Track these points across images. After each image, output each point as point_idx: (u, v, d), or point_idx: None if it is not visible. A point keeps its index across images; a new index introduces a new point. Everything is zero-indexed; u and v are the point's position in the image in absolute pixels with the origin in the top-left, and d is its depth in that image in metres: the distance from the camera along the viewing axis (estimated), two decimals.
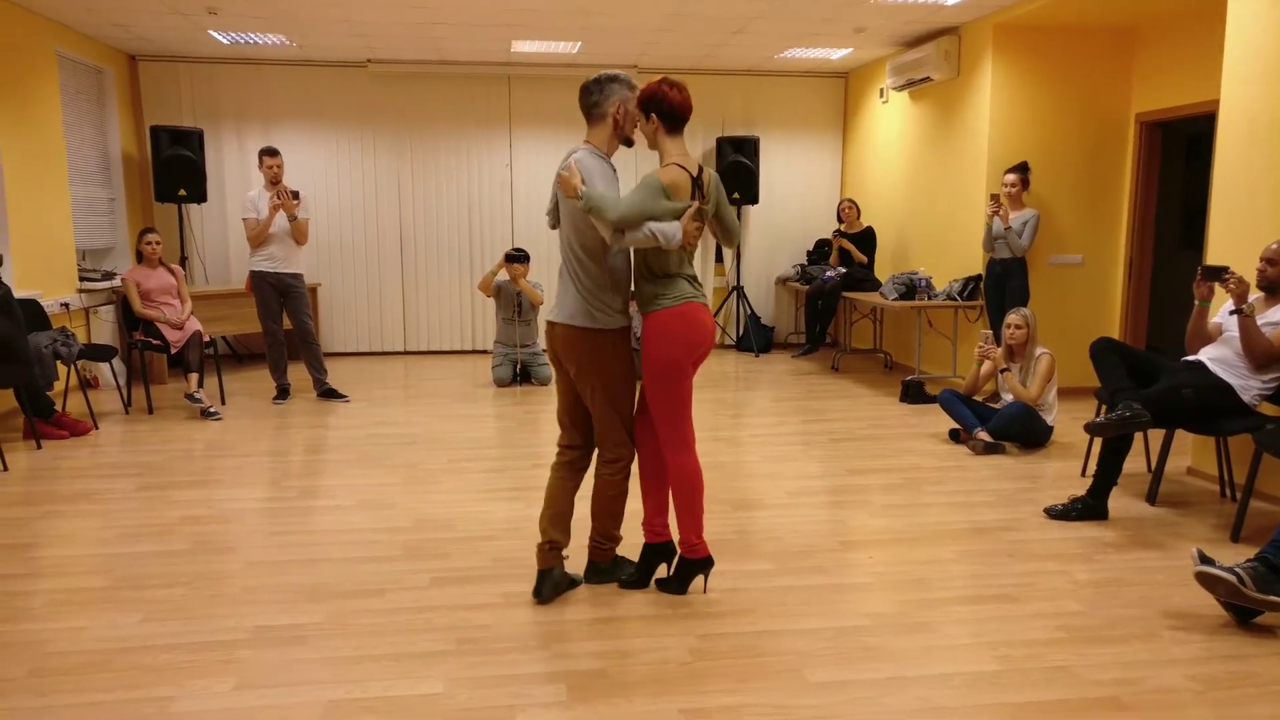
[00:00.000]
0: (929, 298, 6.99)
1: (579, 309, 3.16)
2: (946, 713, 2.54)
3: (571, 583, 3.39)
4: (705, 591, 3.36)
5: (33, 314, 5.89)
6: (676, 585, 3.35)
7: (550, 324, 3.26)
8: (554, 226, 3.34)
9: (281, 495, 4.54)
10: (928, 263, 7.75)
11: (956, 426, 5.57)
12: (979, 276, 6.87)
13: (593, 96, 3.17)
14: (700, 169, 3.19)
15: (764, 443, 5.59)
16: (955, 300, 6.88)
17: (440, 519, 4.19)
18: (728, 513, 4.27)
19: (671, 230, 3.06)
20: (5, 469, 4.97)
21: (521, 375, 7.58)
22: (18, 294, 5.84)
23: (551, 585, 3.28)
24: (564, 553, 3.33)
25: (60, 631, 3.05)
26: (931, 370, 7.64)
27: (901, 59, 7.68)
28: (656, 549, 3.40)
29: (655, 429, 3.24)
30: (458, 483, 4.75)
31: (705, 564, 3.33)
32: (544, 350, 7.85)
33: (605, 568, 3.42)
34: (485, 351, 9.19)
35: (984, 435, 5.28)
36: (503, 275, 7.39)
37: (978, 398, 5.69)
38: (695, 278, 3.22)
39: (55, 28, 6.95)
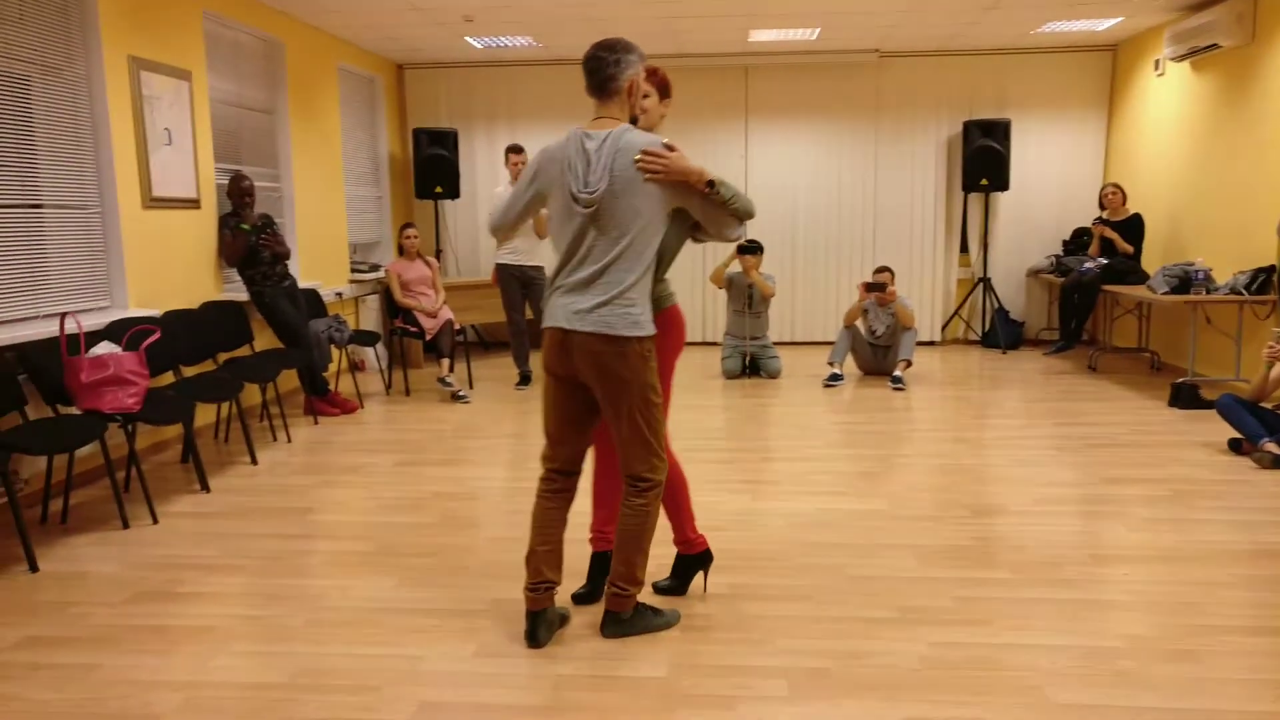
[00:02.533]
0: (1207, 291, 6.28)
1: (624, 314, 2.73)
2: None
3: (563, 619, 3.02)
4: (705, 590, 3.28)
5: (313, 303, 6.55)
6: (678, 585, 3.27)
7: (563, 332, 2.76)
8: (589, 209, 2.72)
9: (521, 476, 4.78)
10: (1208, 252, 6.96)
11: (1238, 436, 4.97)
12: (1272, 268, 6.09)
13: (609, 70, 2.76)
14: None
15: (1010, 445, 5.25)
16: (1241, 294, 6.14)
17: None
18: (965, 518, 4.05)
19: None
20: (289, 441, 5.58)
21: (750, 367, 7.56)
22: (301, 285, 6.53)
23: (547, 626, 2.93)
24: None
25: (331, 588, 3.37)
26: (1208, 372, 6.87)
27: (1182, 25, 6.93)
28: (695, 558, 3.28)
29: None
30: (687, 473, 4.79)
31: (705, 558, 3.27)
32: (773, 343, 7.80)
33: (627, 618, 2.96)
34: (716, 343, 9.25)
35: (1273, 447, 4.67)
36: (735, 267, 7.40)
37: (1266, 405, 5.05)
38: None
39: (338, 44, 7.70)
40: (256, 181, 6.47)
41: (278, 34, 6.67)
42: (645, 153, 2.70)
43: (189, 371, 5.13)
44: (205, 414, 5.70)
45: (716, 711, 2.51)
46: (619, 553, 2.90)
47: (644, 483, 2.86)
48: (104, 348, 4.11)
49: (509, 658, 2.83)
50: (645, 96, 3.01)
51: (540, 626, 2.90)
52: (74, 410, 4.13)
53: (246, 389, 6.00)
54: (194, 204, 5.58)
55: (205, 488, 4.59)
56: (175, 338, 4.98)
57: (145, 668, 2.79)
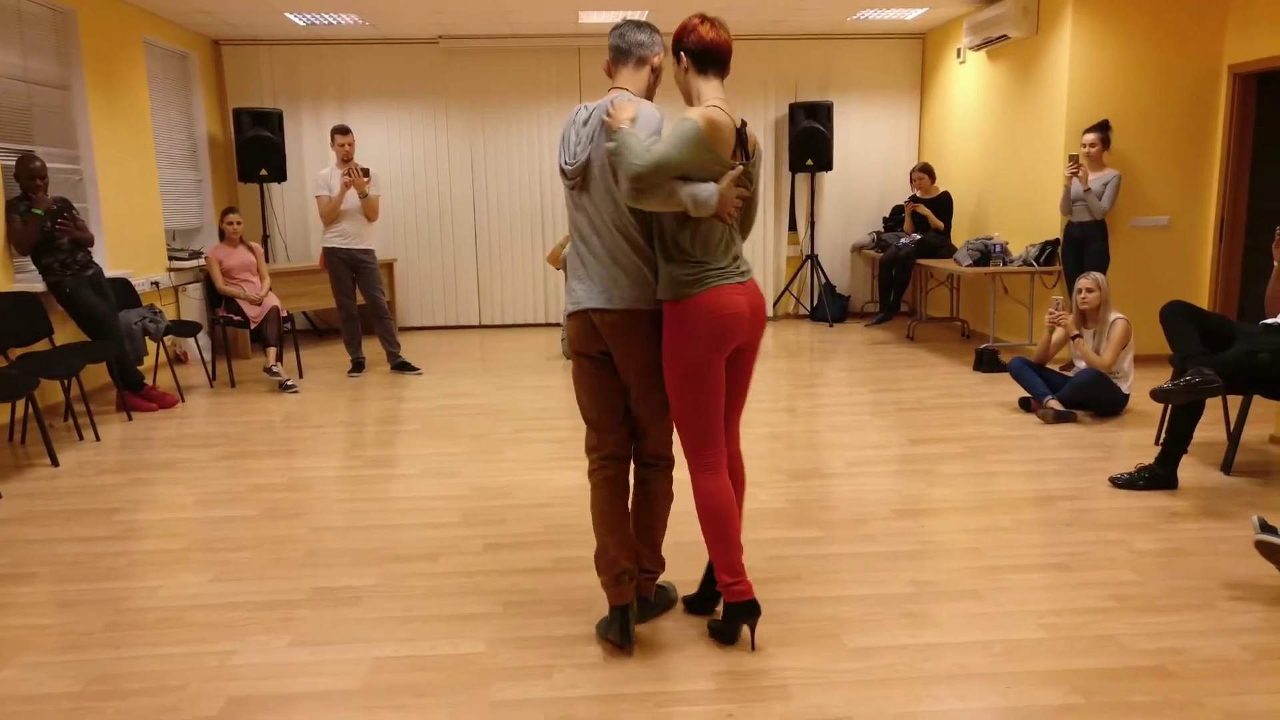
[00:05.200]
0: (1004, 263, 6.78)
1: (643, 288, 2.62)
2: (982, 678, 2.51)
3: (664, 604, 2.99)
4: (754, 647, 2.73)
5: (123, 293, 6.19)
6: (724, 633, 2.77)
7: (596, 312, 2.64)
8: (575, 187, 2.67)
9: (351, 464, 4.70)
10: (1005, 227, 7.51)
11: (1027, 395, 5.42)
12: (1057, 241, 6.64)
13: (640, 36, 2.68)
14: (744, 123, 2.66)
15: (831, 412, 5.53)
16: (1031, 266, 6.66)
17: (499, 487, 4.28)
18: (783, 482, 4.26)
19: (706, 194, 2.47)
20: (98, 439, 5.27)
21: None
22: (110, 274, 6.15)
23: (635, 619, 2.83)
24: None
25: (137, 590, 3.23)
26: (1008, 338, 7.43)
27: (978, 17, 7.42)
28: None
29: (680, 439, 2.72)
30: (521, 452, 4.84)
31: (749, 609, 2.69)
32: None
33: (654, 601, 2.95)
34: (557, 324, 9.29)
35: (1054, 404, 5.12)
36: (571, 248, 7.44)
37: (1052, 366, 5.52)
38: (738, 256, 2.70)
39: (143, 15, 7.24)
40: (52, 163, 6.04)
41: (69, 3, 6.22)
42: (609, 109, 2.54)
43: None
44: None
45: (532, 681, 2.57)
46: (658, 536, 2.84)
47: (665, 460, 2.83)
48: None
49: (327, 645, 2.80)
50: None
51: (630, 621, 2.73)
52: None
53: (45, 386, 5.63)
54: None
55: None
56: None
57: None
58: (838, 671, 2.58)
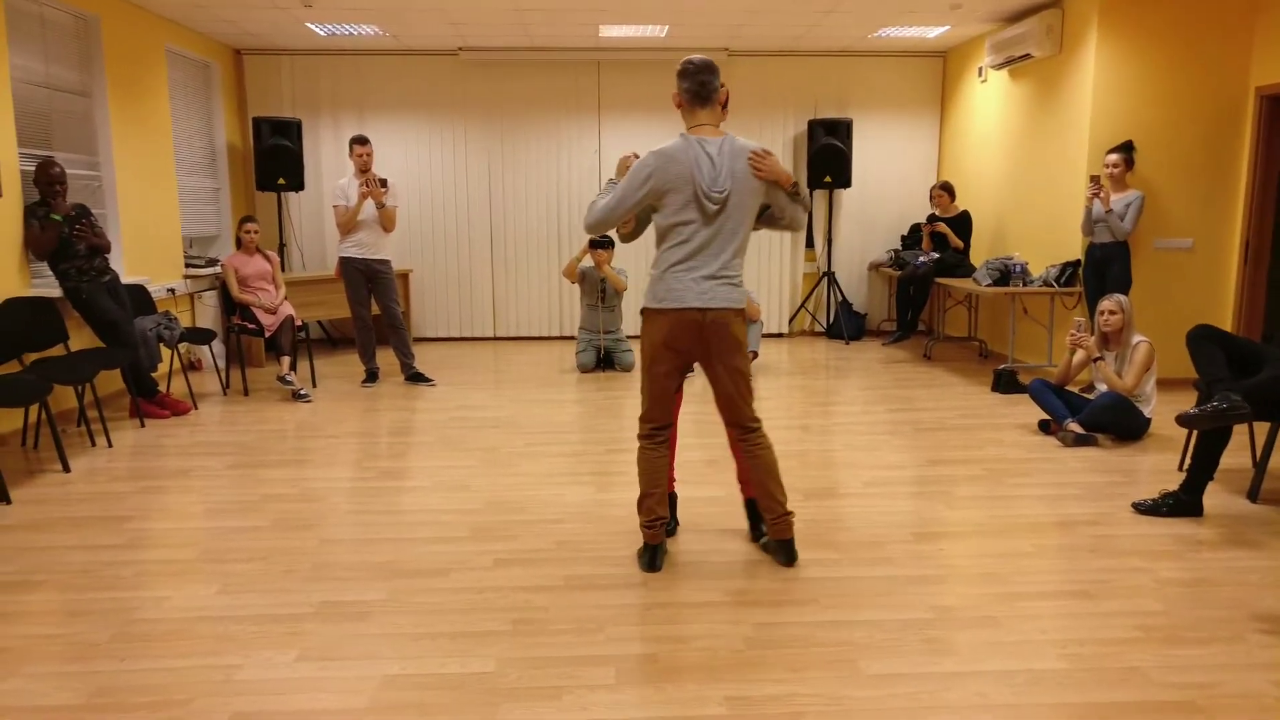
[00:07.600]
0: (1024, 284, 6.71)
1: (742, 290, 3.33)
2: (1004, 710, 2.44)
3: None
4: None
5: (139, 299, 6.19)
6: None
7: (700, 311, 3.25)
8: (718, 206, 3.23)
9: (362, 476, 4.66)
10: (1025, 248, 7.44)
11: (1047, 417, 5.34)
12: (1078, 262, 6.56)
13: (716, 80, 3.27)
14: None
15: (847, 431, 5.47)
16: (1052, 286, 6.59)
17: (512, 501, 4.24)
18: (799, 501, 4.19)
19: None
20: (110, 446, 5.26)
21: (604, 361, 7.60)
22: (127, 280, 6.15)
23: (663, 555, 3.48)
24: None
25: (146, 600, 3.20)
26: (1026, 359, 7.34)
27: (1000, 36, 7.37)
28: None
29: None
30: (533, 466, 4.80)
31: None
32: (627, 336, 7.87)
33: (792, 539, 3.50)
34: (573, 337, 9.26)
35: (1075, 426, 5.04)
36: (587, 261, 7.43)
37: (1071, 388, 5.44)
38: None
39: (166, 24, 7.29)
40: (73, 170, 6.07)
41: (92, 10, 6.25)
42: (754, 154, 3.21)
43: None
44: (11, 420, 5.30)
45: (541, 703, 2.52)
46: (777, 489, 3.42)
47: (757, 423, 3.43)
48: None
49: (333, 661, 2.76)
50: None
51: (659, 555, 3.44)
52: None
53: (59, 391, 5.63)
54: None
55: (5, 499, 4.27)
56: None
57: None
58: (855, 699, 2.51)
